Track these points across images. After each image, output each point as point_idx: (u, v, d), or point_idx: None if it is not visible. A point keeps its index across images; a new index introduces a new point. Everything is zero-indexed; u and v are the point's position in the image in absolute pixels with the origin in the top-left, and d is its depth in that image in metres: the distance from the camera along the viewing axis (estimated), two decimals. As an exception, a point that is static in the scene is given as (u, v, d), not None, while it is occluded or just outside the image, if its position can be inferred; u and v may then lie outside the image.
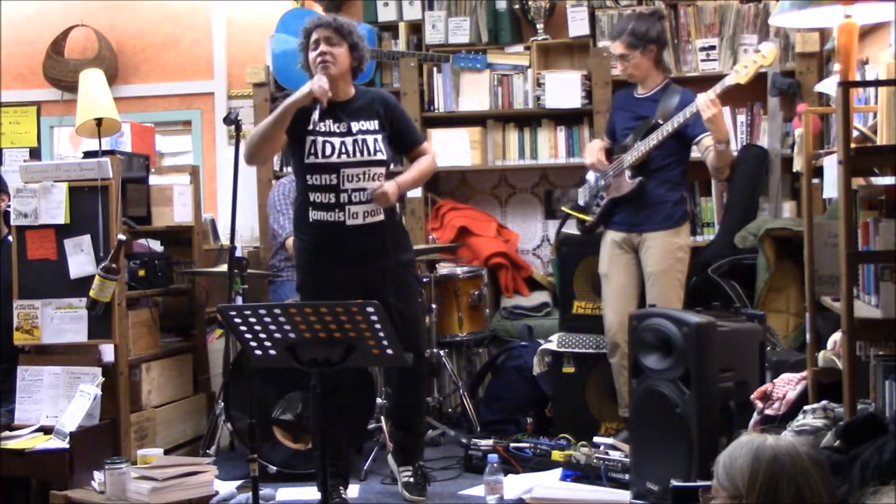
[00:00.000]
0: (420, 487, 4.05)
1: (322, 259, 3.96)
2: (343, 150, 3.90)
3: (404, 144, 4.11)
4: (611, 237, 4.53)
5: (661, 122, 4.34)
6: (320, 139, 3.91)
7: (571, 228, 5.44)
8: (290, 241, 4.95)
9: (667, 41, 4.67)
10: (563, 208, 4.96)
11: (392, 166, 4.14)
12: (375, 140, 3.95)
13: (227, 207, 4.75)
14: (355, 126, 3.95)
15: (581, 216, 4.69)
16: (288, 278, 5.10)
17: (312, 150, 3.91)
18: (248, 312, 3.11)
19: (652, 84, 4.48)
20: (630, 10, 5.50)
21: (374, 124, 3.98)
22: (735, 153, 5.04)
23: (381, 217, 3.96)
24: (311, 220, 3.96)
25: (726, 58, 5.40)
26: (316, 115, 3.81)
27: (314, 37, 3.92)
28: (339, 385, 3.79)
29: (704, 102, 4.15)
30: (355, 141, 3.93)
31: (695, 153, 4.46)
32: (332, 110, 3.92)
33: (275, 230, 5.13)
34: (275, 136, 3.91)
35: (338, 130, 3.93)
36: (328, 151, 3.89)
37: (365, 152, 3.93)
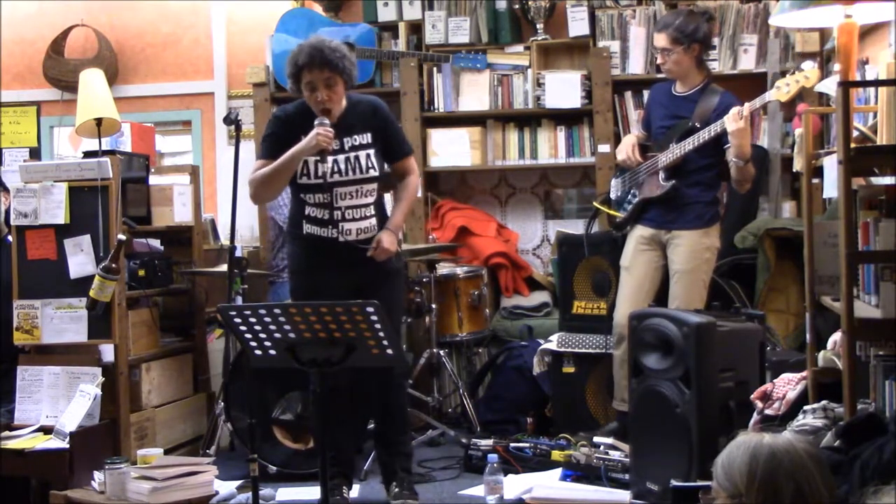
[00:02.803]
0: (409, 492, 4.00)
1: (313, 266, 3.96)
2: (336, 170, 3.87)
3: (390, 155, 4.03)
4: (639, 232, 4.51)
5: (697, 125, 4.31)
6: (312, 159, 3.86)
7: (569, 228, 5.46)
8: None
9: (711, 44, 4.62)
10: (594, 203, 4.95)
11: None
12: (368, 156, 3.92)
13: (227, 207, 4.74)
14: (348, 142, 3.90)
15: (611, 212, 4.68)
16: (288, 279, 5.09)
17: (305, 171, 3.88)
18: (248, 312, 3.11)
19: (691, 83, 4.45)
20: (630, 10, 5.51)
21: (367, 137, 3.93)
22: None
23: (375, 233, 3.95)
24: (304, 232, 3.96)
25: (726, 58, 5.40)
26: (324, 167, 3.81)
27: (307, 78, 3.80)
28: (339, 385, 3.79)
29: (732, 115, 4.12)
30: (347, 159, 3.90)
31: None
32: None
33: (280, 223, 5.08)
34: (280, 182, 3.93)
35: (330, 148, 3.86)
36: (319, 172, 3.85)
37: (357, 170, 3.90)
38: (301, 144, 3.80)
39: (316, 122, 3.80)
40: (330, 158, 3.86)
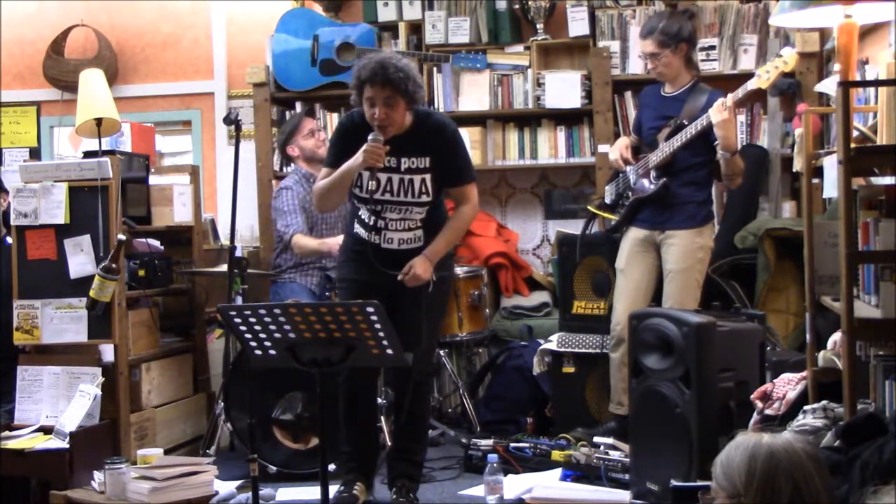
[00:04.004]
0: (406, 500, 3.96)
1: (358, 262, 3.94)
2: (388, 189, 3.82)
3: (447, 180, 3.90)
4: (633, 234, 4.52)
5: (685, 122, 4.33)
6: (366, 174, 3.79)
7: (569, 228, 5.46)
8: (295, 239, 4.92)
9: (697, 40, 4.63)
10: (589, 207, 4.95)
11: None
12: (423, 180, 3.82)
13: (227, 207, 4.75)
14: (405, 163, 3.81)
15: (606, 215, 4.69)
16: (290, 279, 5.09)
17: (358, 184, 3.83)
18: (248, 312, 3.11)
19: (680, 83, 4.46)
20: (630, 10, 5.51)
21: (425, 162, 3.83)
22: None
23: (419, 244, 3.90)
24: (354, 230, 3.96)
25: (726, 58, 5.40)
26: (372, 185, 3.75)
27: (367, 93, 3.70)
28: (365, 385, 3.82)
29: (716, 106, 4.14)
30: (402, 180, 3.82)
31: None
32: (385, 142, 3.78)
33: (280, 231, 5.08)
34: (337, 195, 3.91)
35: (386, 165, 3.78)
36: (373, 187, 3.79)
37: (410, 193, 3.83)
38: (351, 161, 3.76)
39: (370, 137, 3.72)
40: (383, 176, 3.80)
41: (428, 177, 3.84)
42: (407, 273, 3.80)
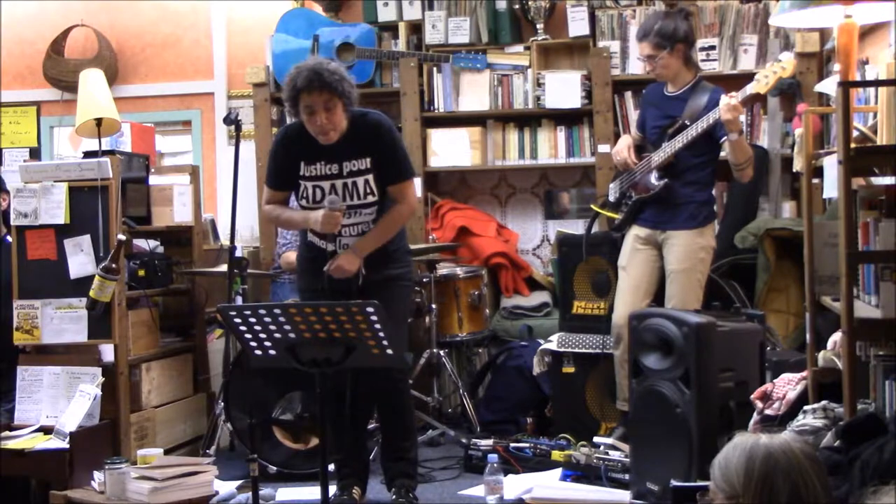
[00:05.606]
0: (406, 500, 3.95)
1: (315, 270, 3.91)
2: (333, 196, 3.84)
3: (388, 179, 3.88)
4: (634, 232, 4.52)
5: (687, 122, 4.32)
6: (310, 185, 3.84)
7: (569, 228, 5.46)
8: (284, 257, 5.04)
9: (694, 39, 4.63)
10: (592, 206, 4.95)
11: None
12: (366, 181, 3.84)
13: (227, 207, 4.76)
14: (346, 166, 3.83)
15: (610, 214, 4.69)
16: (290, 280, 5.11)
17: (304, 195, 3.87)
18: (248, 312, 3.12)
19: (681, 82, 4.45)
20: (630, 10, 5.51)
21: (365, 163, 3.83)
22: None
23: None
24: (308, 238, 3.97)
25: (726, 58, 5.40)
26: (324, 205, 3.78)
27: (305, 102, 3.71)
28: (348, 387, 3.79)
29: (726, 105, 4.12)
30: (345, 185, 3.84)
31: (723, 154, 4.42)
32: (324, 149, 3.81)
33: (278, 241, 5.19)
34: (292, 229, 4.03)
35: (329, 172, 3.83)
36: (318, 197, 3.83)
37: (355, 196, 3.84)
38: (309, 219, 3.80)
39: (327, 202, 3.75)
40: (327, 184, 3.84)
41: (371, 177, 3.85)
42: (332, 265, 3.80)
